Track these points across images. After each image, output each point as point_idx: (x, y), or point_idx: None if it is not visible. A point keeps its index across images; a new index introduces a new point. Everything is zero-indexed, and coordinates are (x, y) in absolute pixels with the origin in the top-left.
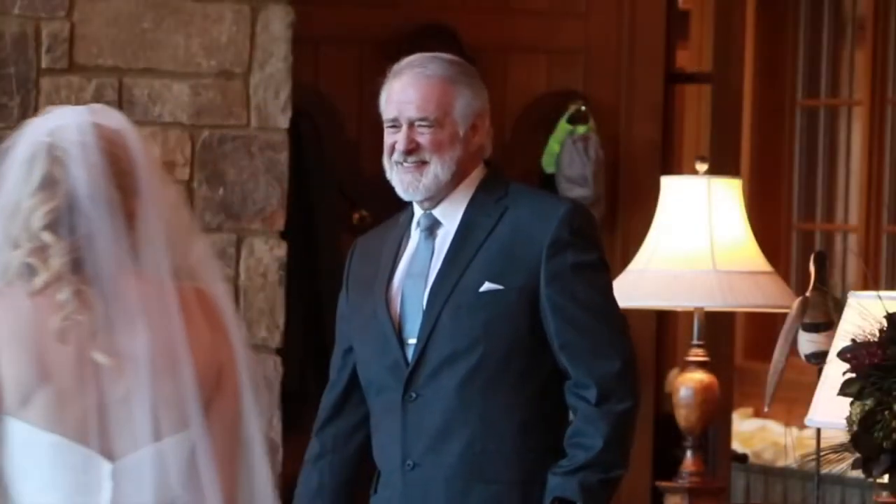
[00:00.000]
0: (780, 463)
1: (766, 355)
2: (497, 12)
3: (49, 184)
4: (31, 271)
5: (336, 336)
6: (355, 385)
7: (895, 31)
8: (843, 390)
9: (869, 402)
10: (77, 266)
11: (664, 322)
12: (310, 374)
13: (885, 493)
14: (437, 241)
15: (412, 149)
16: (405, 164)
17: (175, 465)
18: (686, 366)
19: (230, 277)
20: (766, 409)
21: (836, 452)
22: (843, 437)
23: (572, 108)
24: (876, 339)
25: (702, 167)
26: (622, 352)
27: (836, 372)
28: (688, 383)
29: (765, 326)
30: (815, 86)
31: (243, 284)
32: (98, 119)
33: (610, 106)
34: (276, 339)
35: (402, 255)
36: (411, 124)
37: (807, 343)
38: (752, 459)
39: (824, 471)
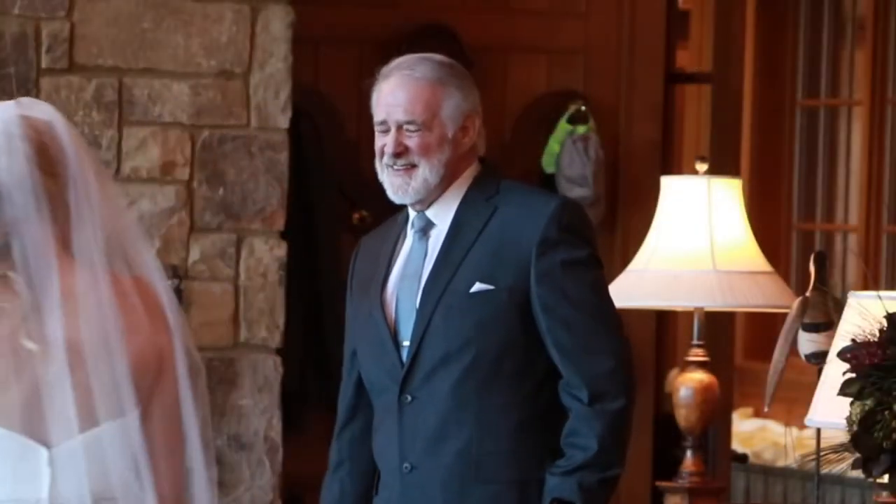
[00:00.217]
0: (780, 463)
1: (766, 355)
2: (497, 12)
3: None
4: None
5: (345, 337)
6: (364, 387)
7: (895, 31)
8: (843, 390)
9: (869, 402)
10: (3, 252)
11: (664, 322)
12: (310, 374)
13: (885, 493)
14: (431, 241)
15: (400, 152)
16: (394, 168)
17: (113, 451)
18: (686, 366)
19: (230, 277)
20: (766, 409)
21: (836, 452)
22: (843, 437)
23: (572, 108)
24: (876, 339)
25: (702, 167)
26: (615, 350)
27: (836, 372)
28: (688, 383)
29: (765, 326)
30: (815, 86)
31: (243, 284)
32: (25, 111)
33: (610, 106)
34: (276, 339)
35: (397, 256)
36: (399, 127)
37: (807, 343)
38: (752, 459)
39: (824, 471)
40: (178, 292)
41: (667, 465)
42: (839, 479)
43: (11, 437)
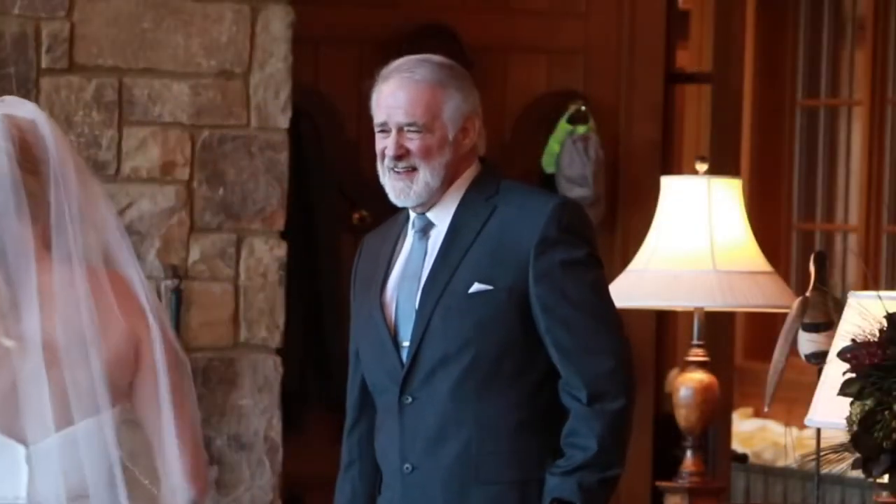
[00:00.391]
0: (780, 463)
1: (766, 355)
2: (497, 12)
3: None
4: None
5: (350, 336)
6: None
7: (895, 31)
8: (843, 390)
9: (869, 402)
10: None
11: (664, 322)
12: (310, 374)
13: (885, 493)
14: (430, 241)
15: (401, 154)
16: (396, 171)
17: (89, 449)
18: (686, 366)
19: (230, 277)
20: (766, 409)
21: (836, 452)
22: (843, 437)
23: (572, 108)
24: (876, 339)
25: (702, 167)
26: (614, 350)
27: (836, 372)
28: (688, 383)
29: (765, 326)
30: (815, 86)
31: (243, 284)
32: (9, 110)
33: (610, 106)
34: (276, 339)
35: (397, 256)
36: (400, 129)
37: (807, 343)
38: (752, 459)
39: (824, 471)
40: (178, 292)
41: (667, 465)
42: (839, 479)
43: None
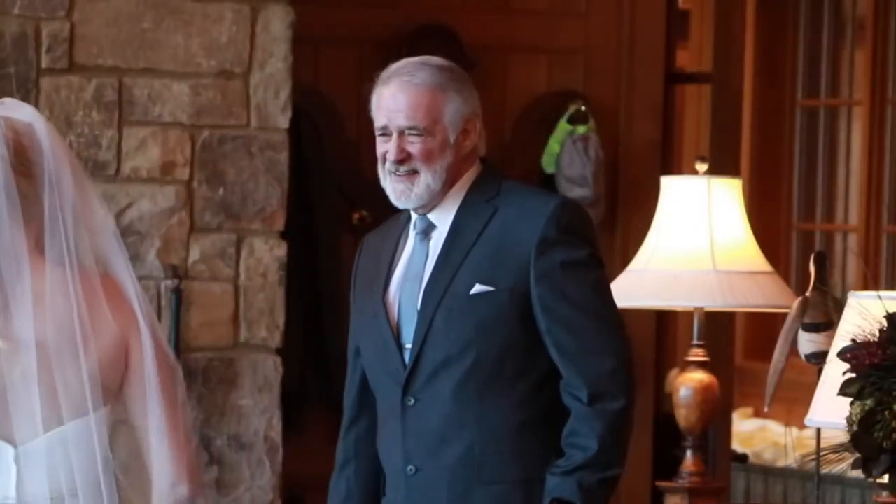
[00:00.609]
0: (780, 463)
1: (766, 355)
2: (497, 12)
3: None
4: None
5: (349, 335)
6: (368, 385)
7: (895, 31)
8: (843, 390)
9: (869, 402)
10: None
11: (664, 322)
12: (310, 374)
13: (885, 493)
14: (432, 243)
15: (403, 158)
16: (397, 174)
17: (78, 449)
18: (686, 366)
19: (230, 277)
20: (766, 409)
21: (836, 452)
22: (843, 437)
23: (572, 108)
24: (876, 339)
25: (702, 167)
26: (615, 350)
27: (836, 372)
28: (688, 383)
29: (765, 326)
30: (815, 86)
31: (243, 284)
32: (7, 112)
33: (610, 106)
34: (276, 339)
35: (399, 257)
36: (401, 133)
37: (807, 343)
38: (752, 459)
39: (824, 471)
40: (178, 292)
41: (667, 465)
42: (839, 479)
43: None
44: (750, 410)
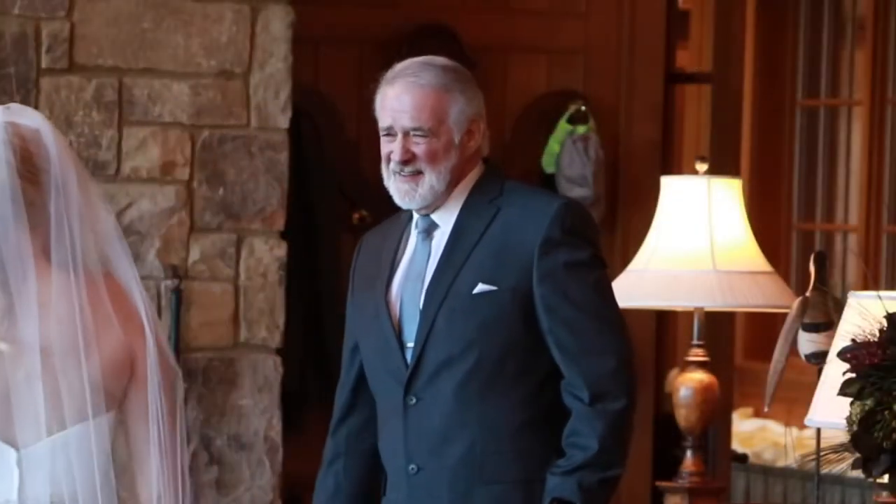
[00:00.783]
0: (780, 463)
1: (766, 355)
2: (497, 12)
3: None
4: None
5: (345, 332)
6: (364, 382)
7: (895, 31)
8: (843, 390)
9: (869, 402)
10: None
11: (664, 322)
12: (310, 374)
13: (885, 493)
14: (434, 243)
15: (408, 159)
16: (402, 174)
17: (80, 454)
18: (686, 366)
19: (230, 277)
20: (766, 409)
21: (836, 452)
22: (843, 437)
23: (572, 108)
24: (876, 339)
25: (702, 167)
26: (617, 350)
27: (836, 372)
28: (688, 383)
29: (765, 326)
30: (815, 86)
31: (243, 284)
32: (13, 118)
33: (610, 106)
34: (276, 339)
35: (401, 256)
36: (406, 133)
37: (807, 343)
38: (752, 459)
39: (824, 471)
40: (178, 292)
41: (667, 465)
42: (839, 479)
43: None
44: (750, 410)
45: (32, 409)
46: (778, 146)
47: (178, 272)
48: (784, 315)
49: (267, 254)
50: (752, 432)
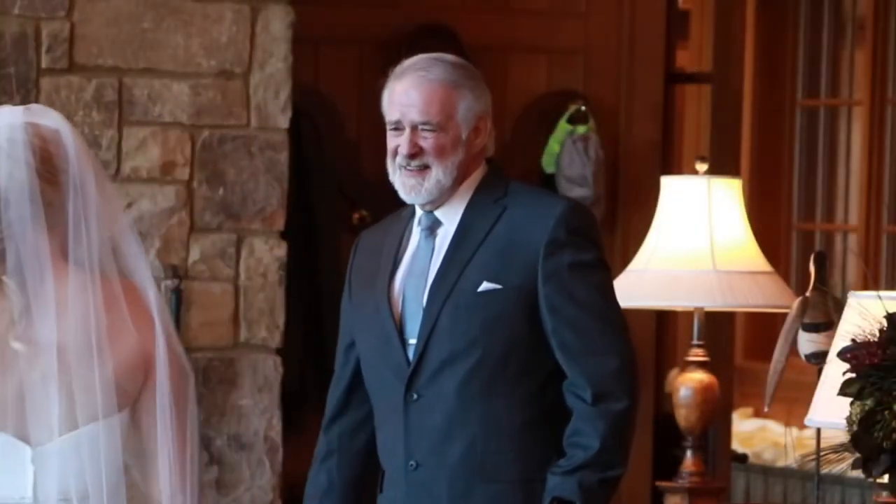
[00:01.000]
0: (780, 463)
1: (766, 355)
2: (497, 12)
3: None
4: None
5: (340, 330)
6: (359, 380)
7: (895, 31)
8: (843, 390)
9: (869, 402)
10: None
11: (664, 322)
12: (310, 374)
13: (885, 493)
14: (437, 240)
15: (415, 153)
16: (408, 168)
17: (92, 453)
18: (686, 366)
19: (230, 277)
20: (766, 409)
21: (836, 452)
22: (843, 437)
23: (572, 108)
24: (876, 339)
25: (702, 167)
26: (620, 351)
27: (836, 372)
28: (688, 383)
29: (765, 326)
30: (815, 86)
31: (243, 284)
32: (33, 118)
33: (610, 106)
34: (276, 339)
35: (403, 253)
36: (414, 128)
37: (807, 343)
38: (752, 459)
39: (824, 471)
40: (178, 292)
41: (667, 465)
42: (839, 479)
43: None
44: (750, 410)
45: (46, 408)
46: (778, 146)
47: (178, 272)
48: (784, 315)
49: (267, 254)
50: (752, 432)
